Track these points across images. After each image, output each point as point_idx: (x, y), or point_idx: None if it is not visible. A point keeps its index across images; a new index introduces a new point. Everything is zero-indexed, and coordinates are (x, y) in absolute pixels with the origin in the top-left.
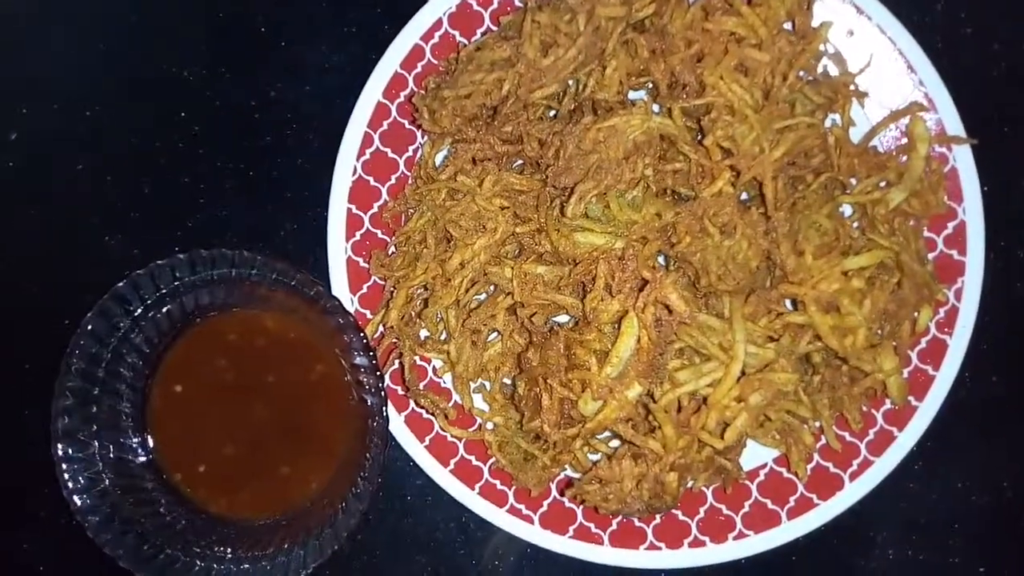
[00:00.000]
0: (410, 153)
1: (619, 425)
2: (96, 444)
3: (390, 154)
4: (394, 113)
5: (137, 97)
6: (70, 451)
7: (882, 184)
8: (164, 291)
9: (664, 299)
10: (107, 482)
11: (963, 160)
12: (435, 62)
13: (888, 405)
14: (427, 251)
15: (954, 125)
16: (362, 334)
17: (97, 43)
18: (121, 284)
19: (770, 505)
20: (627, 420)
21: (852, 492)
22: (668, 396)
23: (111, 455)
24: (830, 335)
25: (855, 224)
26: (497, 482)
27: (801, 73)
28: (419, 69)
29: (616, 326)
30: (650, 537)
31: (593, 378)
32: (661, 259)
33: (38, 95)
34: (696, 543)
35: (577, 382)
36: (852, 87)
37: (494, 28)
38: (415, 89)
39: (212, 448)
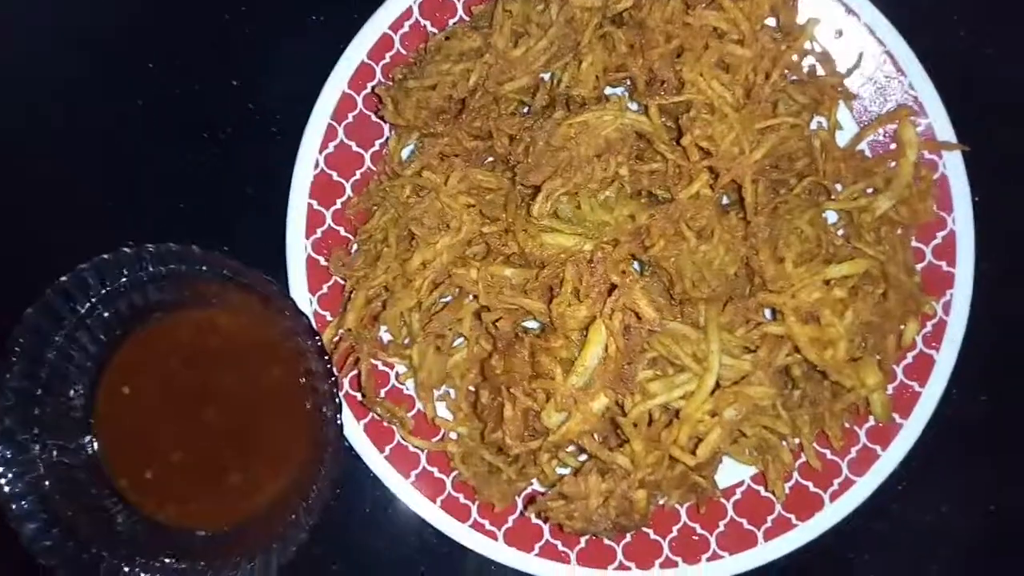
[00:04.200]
0: (376, 147)
1: (584, 438)
2: (37, 447)
3: (355, 147)
4: (360, 105)
5: (91, 86)
6: (8, 454)
7: (869, 190)
8: (111, 287)
9: (633, 305)
10: (47, 487)
11: (953, 167)
12: (404, 52)
13: (871, 422)
14: (388, 250)
15: (945, 131)
16: (317, 338)
17: (48, 32)
18: (64, 279)
19: (746, 525)
20: (593, 433)
21: (832, 513)
22: (638, 408)
23: (53, 458)
24: (809, 347)
25: (839, 232)
26: (460, 496)
27: (786, 72)
28: (387, 59)
29: (584, 333)
30: (620, 557)
31: (557, 388)
32: (636, 265)
33: None
34: (668, 563)
35: (541, 392)
36: (839, 88)
37: (467, 18)
38: (383, 80)
39: (160, 453)
